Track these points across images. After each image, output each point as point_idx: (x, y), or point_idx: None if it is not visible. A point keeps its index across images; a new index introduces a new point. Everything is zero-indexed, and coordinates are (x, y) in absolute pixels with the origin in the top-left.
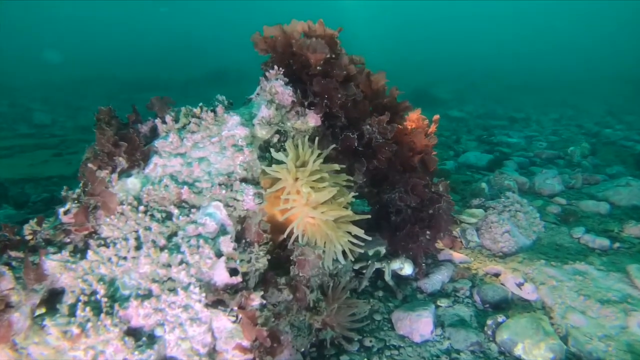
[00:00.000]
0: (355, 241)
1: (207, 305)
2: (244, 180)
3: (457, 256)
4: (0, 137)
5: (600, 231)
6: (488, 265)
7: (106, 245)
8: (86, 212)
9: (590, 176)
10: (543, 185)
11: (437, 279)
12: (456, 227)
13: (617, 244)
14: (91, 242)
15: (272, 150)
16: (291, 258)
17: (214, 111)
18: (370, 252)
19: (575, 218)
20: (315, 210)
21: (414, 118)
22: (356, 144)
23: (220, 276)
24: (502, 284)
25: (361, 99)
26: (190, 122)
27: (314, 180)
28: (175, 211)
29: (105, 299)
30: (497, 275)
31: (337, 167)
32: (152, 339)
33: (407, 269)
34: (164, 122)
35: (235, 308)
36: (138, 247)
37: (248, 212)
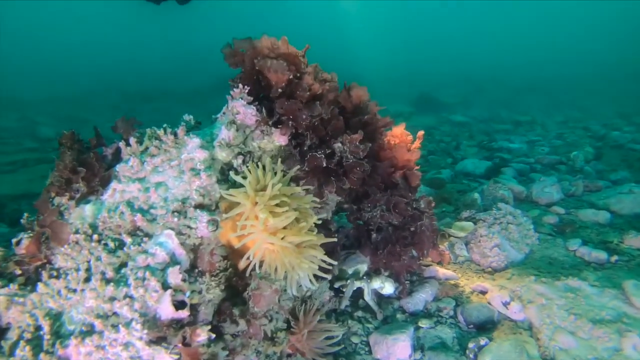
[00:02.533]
0: (323, 265)
1: (149, 343)
2: (199, 206)
3: (444, 272)
4: (6, 152)
5: (598, 243)
6: (475, 282)
7: (57, 277)
8: (38, 242)
9: (592, 183)
10: (541, 194)
11: (420, 298)
12: (444, 241)
13: (615, 257)
14: (43, 273)
15: (231, 173)
16: (246, 292)
17: (174, 133)
18: (351, 271)
19: (572, 228)
20: (274, 236)
21: (397, 133)
22: (325, 164)
23: (166, 310)
24: (488, 302)
25: (334, 115)
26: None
27: (274, 205)
28: (128, 240)
29: (48, 336)
30: (484, 292)
31: (299, 189)
32: None
33: (387, 288)
34: (128, 144)
35: (179, 345)
36: (87, 279)
37: (202, 240)
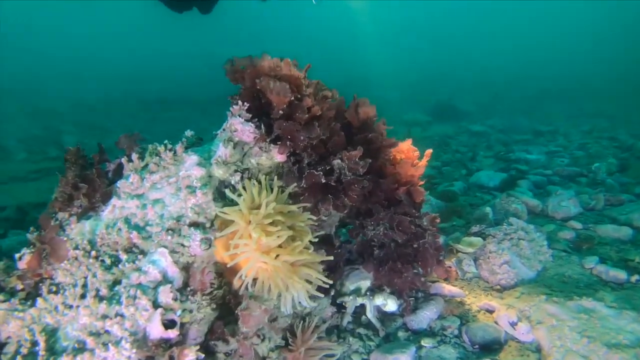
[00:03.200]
0: (320, 283)
1: None
2: (194, 224)
3: (450, 289)
4: (32, 161)
5: (617, 261)
6: (483, 300)
7: (56, 292)
8: (39, 258)
9: (614, 196)
10: (557, 208)
11: (424, 316)
12: (452, 257)
13: (635, 277)
14: (43, 288)
15: (226, 191)
16: (236, 312)
17: (173, 150)
18: (353, 287)
19: (590, 245)
20: (267, 255)
21: (403, 148)
22: (323, 180)
23: (155, 329)
24: (495, 322)
25: (335, 132)
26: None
27: (268, 223)
28: (124, 257)
29: (43, 352)
30: (491, 311)
31: (294, 207)
32: None
33: (390, 305)
34: (130, 160)
35: None
36: (83, 296)
37: (195, 258)
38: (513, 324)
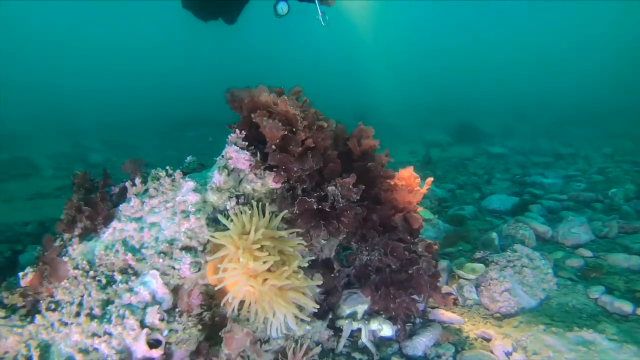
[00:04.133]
0: (310, 308)
1: None
2: (186, 248)
3: (449, 316)
4: (58, 177)
5: (624, 291)
6: (480, 328)
7: (54, 310)
8: (40, 277)
9: (629, 224)
10: (567, 235)
11: (420, 342)
12: (454, 283)
13: None
14: (42, 305)
15: (219, 216)
16: (220, 334)
17: (171, 176)
18: (350, 311)
19: (598, 274)
20: (253, 280)
21: (404, 176)
22: (315, 207)
23: (140, 349)
24: (490, 351)
25: (332, 159)
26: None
27: (256, 248)
28: (118, 278)
29: None
30: (488, 340)
31: (284, 233)
32: None
33: (386, 330)
34: (133, 184)
35: None
36: (78, 314)
37: (185, 280)
38: (508, 354)
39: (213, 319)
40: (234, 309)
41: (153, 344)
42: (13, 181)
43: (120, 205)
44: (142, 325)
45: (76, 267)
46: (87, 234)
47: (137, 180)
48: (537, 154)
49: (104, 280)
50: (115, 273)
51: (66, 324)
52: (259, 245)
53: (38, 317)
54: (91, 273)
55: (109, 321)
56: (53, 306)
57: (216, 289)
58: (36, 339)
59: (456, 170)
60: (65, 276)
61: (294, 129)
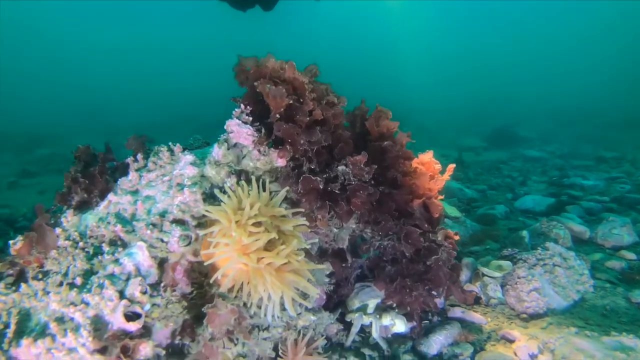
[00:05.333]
0: (311, 292)
1: (92, 352)
2: (178, 221)
3: (470, 314)
4: None
5: None
6: (504, 329)
7: (37, 279)
8: (29, 245)
9: None
10: (607, 236)
11: (436, 340)
12: (477, 281)
13: None
14: (29, 273)
15: (215, 191)
16: (202, 310)
17: (171, 150)
18: (361, 304)
19: None
20: (246, 257)
21: (425, 160)
22: (321, 186)
23: (117, 320)
24: (514, 353)
25: (343, 139)
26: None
27: (252, 225)
28: (106, 249)
29: (11, 335)
30: (511, 341)
31: (283, 211)
32: None
33: (399, 326)
34: (135, 160)
35: (121, 357)
36: (61, 284)
37: (173, 254)
38: (533, 356)
39: (204, 298)
40: (223, 286)
41: (132, 317)
42: (49, 175)
43: (119, 180)
44: (122, 296)
45: (67, 238)
46: (83, 207)
47: (139, 156)
48: (577, 158)
49: (91, 252)
50: (104, 244)
51: (49, 293)
52: (254, 221)
53: (23, 285)
54: (80, 244)
55: (89, 291)
56: (40, 276)
57: (205, 264)
58: (18, 306)
59: (489, 173)
60: (53, 244)
61: (300, 100)
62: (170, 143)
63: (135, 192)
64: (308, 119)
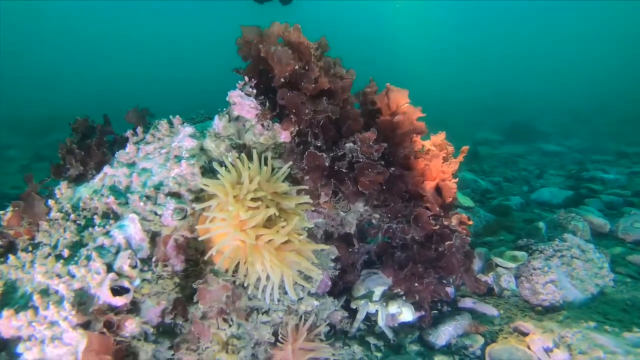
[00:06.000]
0: (312, 273)
1: (75, 326)
2: (174, 194)
3: (482, 305)
4: None
5: None
6: (517, 321)
7: (27, 251)
8: (19, 216)
9: None
10: (629, 230)
11: (444, 331)
12: (490, 272)
13: None
14: (19, 245)
15: (214, 164)
16: (194, 285)
17: (170, 122)
18: (367, 291)
19: None
20: (243, 233)
21: (437, 142)
22: (327, 163)
23: (103, 294)
24: (528, 346)
25: (353, 116)
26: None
27: (250, 199)
28: (98, 221)
29: None
30: (525, 334)
31: (285, 187)
32: (11, 356)
33: (405, 315)
34: (135, 134)
35: (105, 332)
36: (49, 255)
37: (166, 228)
38: (548, 350)
39: (199, 276)
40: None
41: (120, 291)
42: None
43: (117, 153)
44: (110, 270)
45: (60, 211)
46: (78, 179)
47: (139, 130)
48: (597, 153)
49: (83, 224)
50: (96, 217)
51: (35, 264)
52: (253, 196)
53: (11, 257)
54: (72, 216)
55: (76, 263)
56: (30, 248)
57: (200, 239)
58: (4, 278)
59: (505, 166)
60: (42, 214)
61: (306, 67)
62: (170, 116)
63: (132, 165)
64: (313, 86)
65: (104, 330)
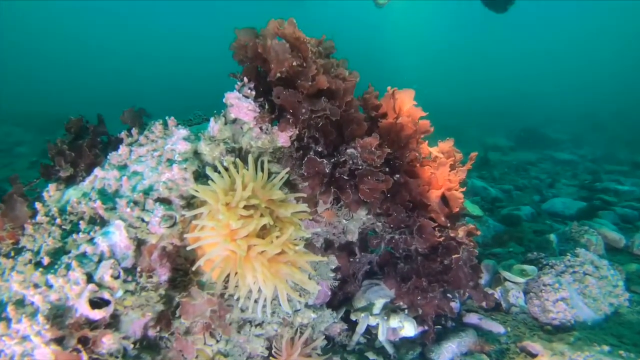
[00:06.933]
0: (308, 287)
1: (48, 342)
2: (163, 200)
3: (488, 322)
4: None
5: None
6: (525, 341)
7: (9, 256)
8: (2, 220)
9: None
10: None
11: (448, 348)
12: (498, 286)
13: None
14: (2, 250)
15: (207, 169)
16: (177, 298)
17: (164, 124)
18: (368, 304)
19: None
20: (233, 243)
21: (445, 149)
22: (327, 170)
23: (82, 307)
24: None
25: (356, 120)
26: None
27: (244, 208)
28: (83, 227)
29: None
30: (533, 355)
31: (281, 195)
32: None
33: (407, 329)
34: (130, 135)
35: (80, 349)
36: (29, 262)
37: (154, 236)
38: None
39: (188, 287)
40: (206, 274)
41: (100, 304)
42: None
43: (109, 154)
44: (91, 280)
45: (46, 214)
46: (68, 181)
47: (134, 131)
48: (611, 162)
49: (68, 229)
50: (82, 222)
51: (17, 272)
52: (246, 204)
53: None
54: (58, 221)
55: (55, 272)
56: (12, 253)
57: (188, 249)
58: None
59: (516, 173)
60: (24, 217)
61: (304, 64)
62: (166, 117)
63: (123, 167)
64: (310, 84)
65: (79, 347)
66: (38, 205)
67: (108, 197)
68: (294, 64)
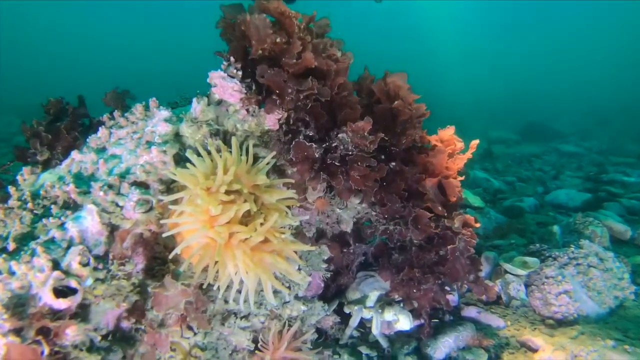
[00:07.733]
0: (293, 277)
1: (7, 332)
2: (140, 184)
3: (487, 315)
4: None
5: None
6: (526, 335)
7: None
8: None
9: None
10: None
11: (445, 343)
12: (498, 278)
13: None
14: None
15: (188, 152)
16: (149, 289)
17: (145, 105)
18: (361, 296)
19: None
20: (212, 230)
21: (445, 137)
22: (317, 154)
23: (46, 295)
24: None
25: (349, 104)
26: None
27: (226, 193)
28: (55, 211)
29: None
30: (534, 350)
31: (267, 180)
32: None
33: (402, 323)
34: (112, 117)
35: (40, 341)
36: None
37: (128, 222)
38: None
39: (166, 272)
40: (183, 263)
41: (67, 292)
42: None
43: (89, 137)
44: (57, 267)
45: (19, 199)
46: (45, 164)
47: (116, 113)
48: (618, 155)
49: (40, 214)
50: (54, 206)
51: None
52: (227, 189)
53: None
54: (29, 205)
55: (19, 258)
56: None
57: (164, 235)
58: None
59: (519, 165)
60: None
61: (290, 40)
62: (152, 98)
63: (101, 150)
64: (295, 61)
65: (40, 339)
66: (11, 189)
67: (83, 181)
68: (278, 40)
